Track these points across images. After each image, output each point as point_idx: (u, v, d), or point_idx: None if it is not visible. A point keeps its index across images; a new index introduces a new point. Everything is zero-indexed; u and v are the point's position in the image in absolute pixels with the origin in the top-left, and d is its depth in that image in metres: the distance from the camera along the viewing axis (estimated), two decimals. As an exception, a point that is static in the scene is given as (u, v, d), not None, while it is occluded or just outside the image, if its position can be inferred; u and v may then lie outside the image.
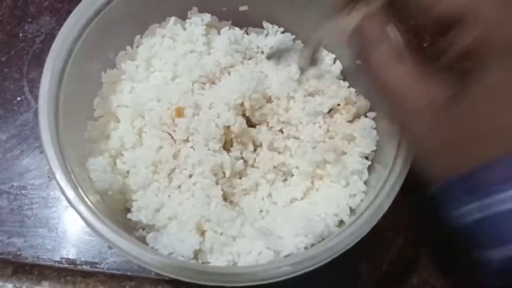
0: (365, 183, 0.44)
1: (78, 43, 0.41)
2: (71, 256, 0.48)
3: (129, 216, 0.41)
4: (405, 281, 0.48)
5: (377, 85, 0.32)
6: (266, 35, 0.52)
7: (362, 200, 0.43)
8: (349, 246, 0.35)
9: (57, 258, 0.48)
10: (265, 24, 0.52)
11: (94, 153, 0.41)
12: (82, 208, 0.34)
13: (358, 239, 0.36)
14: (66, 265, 0.47)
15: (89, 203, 0.35)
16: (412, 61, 0.31)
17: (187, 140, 0.43)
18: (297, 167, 0.44)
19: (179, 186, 0.42)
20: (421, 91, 0.30)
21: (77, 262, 0.47)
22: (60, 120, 0.38)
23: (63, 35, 0.41)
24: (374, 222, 0.36)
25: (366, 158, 0.46)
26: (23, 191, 0.51)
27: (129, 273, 0.47)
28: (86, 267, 0.47)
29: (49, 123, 0.37)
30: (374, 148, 0.45)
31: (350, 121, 0.48)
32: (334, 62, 0.51)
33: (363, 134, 0.45)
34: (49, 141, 0.36)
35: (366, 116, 0.48)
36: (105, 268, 0.47)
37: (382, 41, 0.31)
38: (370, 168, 0.45)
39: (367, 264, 0.48)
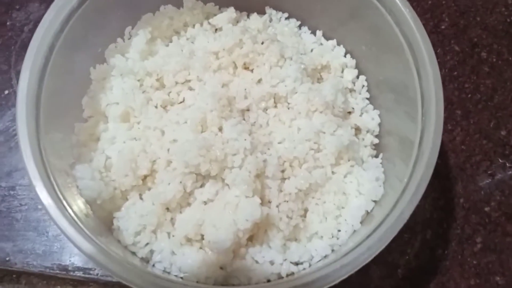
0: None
1: (61, 37, 0.37)
2: (62, 262, 0.45)
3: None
4: (421, 286, 0.44)
5: None
6: (270, 21, 0.48)
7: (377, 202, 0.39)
8: (367, 262, 0.32)
9: (48, 264, 0.45)
10: (268, 10, 0.48)
11: (82, 158, 0.38)
12: (65, 225, 0.31)
13: (377, 253, 0.33)
14: (58, 271, 0.45)
15: (74, 217, 0.32)
16: None
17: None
18: None
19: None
20: None
21: (69, 268, 0.45)
22: (41, 125, 0.34)
23: (43, 28, 0.37)
24: (395, 233, 0.33)
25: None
26: (12, 192, 0.48)
27: (124, 280, 0.44)
28: (79, 273, 0.44)
29: (29, 129, 0.33)
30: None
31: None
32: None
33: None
34: (29, 150, 0.32)
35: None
36: (99, 274, 0.44)
37: None
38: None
39: (379, 268, 0.44)
